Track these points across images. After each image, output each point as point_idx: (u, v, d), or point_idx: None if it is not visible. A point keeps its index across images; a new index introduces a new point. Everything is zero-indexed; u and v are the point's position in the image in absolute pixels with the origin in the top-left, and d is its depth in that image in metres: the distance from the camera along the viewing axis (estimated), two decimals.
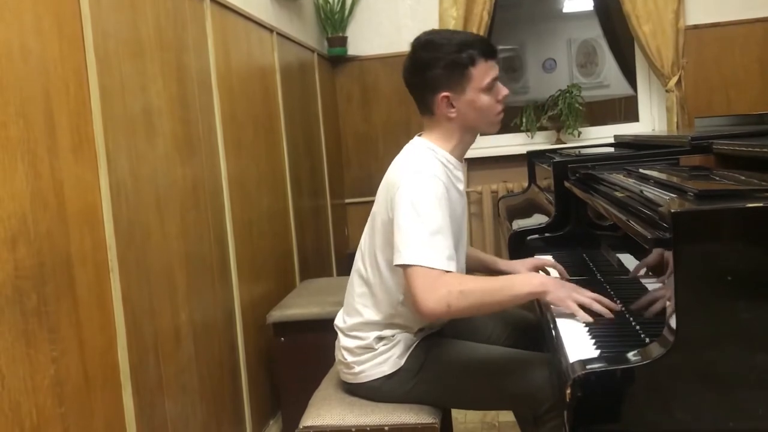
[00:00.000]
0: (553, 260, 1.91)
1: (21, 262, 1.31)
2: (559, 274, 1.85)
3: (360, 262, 1.76)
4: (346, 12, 4.19)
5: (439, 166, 1.66)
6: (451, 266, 1.52)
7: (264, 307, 2.61)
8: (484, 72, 1.66)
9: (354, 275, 1.78)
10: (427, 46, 1.68)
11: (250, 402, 2.42)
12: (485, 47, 1.68)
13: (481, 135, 1.79)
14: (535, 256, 2.03)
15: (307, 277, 3.23)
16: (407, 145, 1.75)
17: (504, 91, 1.72)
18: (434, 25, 4.07)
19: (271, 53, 3.06)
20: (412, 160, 1.67)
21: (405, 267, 1.52)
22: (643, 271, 1.51)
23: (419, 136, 1.75)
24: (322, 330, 2.35)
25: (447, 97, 1.65)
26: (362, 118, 4.33)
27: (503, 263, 1.96)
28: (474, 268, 2.00)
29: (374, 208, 1.72)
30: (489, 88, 1.67)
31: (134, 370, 1.66)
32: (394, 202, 1.59)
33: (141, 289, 1.75)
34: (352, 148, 4.36)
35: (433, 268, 1.49)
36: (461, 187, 1.74)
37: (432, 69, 1.65)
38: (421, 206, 1.55)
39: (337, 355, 1.80)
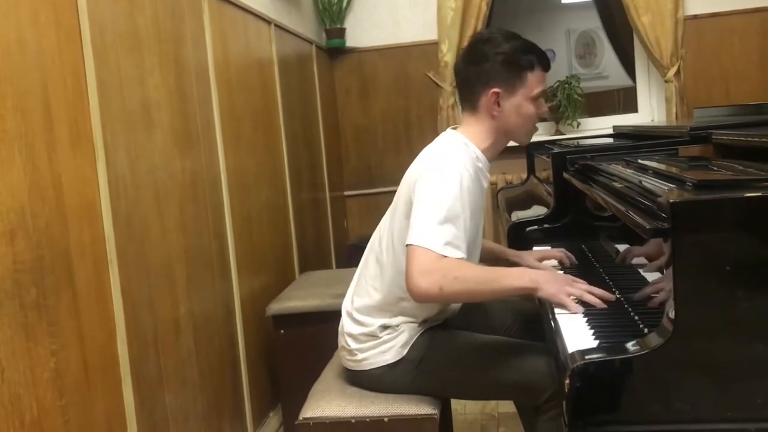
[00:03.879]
0: (562, 251, 1.92)
1: (20, 255, 1.31)
2: (569, 261, 1.87)
3: (377, 243, 1.77)
4: (345, 3, 4.17)
5: (469, 159, 1.67)
6: (453, 253, 1.52)
7: (263, 299, 2.61)
8: (538, 81, 1.69)
9: (369, 256, 1.79)
10: (490, 41, 1.70)
11: (250, 394, 2.43)
12: (544, 58, 1.71)
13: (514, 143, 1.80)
14: (543, 248, 2.04)
15: (307, 269, 3.23)
16: (440, 135, 1.76)
17: (545, 107, 1.75)
18: (432, 16, 4.06)
19: (269, 45, 3.06)
20: (443, 149, 1.69)
21: (408, 247, 1.53)
22: (634, 259, 1.51)
23: (453, 129, 1.76)
24: (322, 322, 2.36)
25: (497, 93, 1.67)
26: (361, 110, 4.32)
27: (512, 253, 1.97)
28: (484, 257, 2.01)
29: (398, 191, 1.73)
30: (536, 99, 1.70)
31: (134, 363, 1.66)
32: (416, 186, 1.60)
33: (140, 282, 1.75)
34: (350, 141, 4.36)
35: (432, 251, 1.50)
36: (486, 185, 1.75)
37: (490, 62, 1.67)
38: (440, 193, 1.56)
39: (341, 341, 1.80)
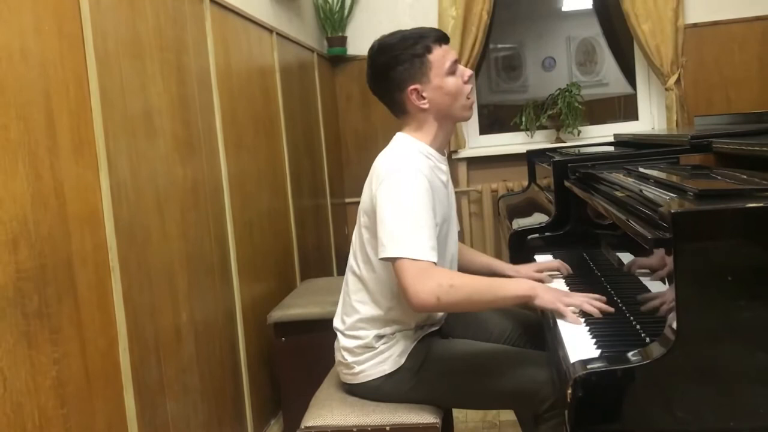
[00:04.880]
0: (559, 262, 1.92)
1: (22, 263, 1.31)
2: (566, 271, 1.88)
3: (353, 260, 1.78)
4: (346, 12, 4.19)
5: (422, 159, 1.68)
6: (435, 257, 1.54)
7: (265, 307, 2.61)
8: (442, 56, 1.71)
9: (348, 274, 1.79)
10: (381, 50, 1.74)
11: (251, 402, 2.43)
12: (437, 33, 1.74)
13: (459, 122, 1.84)
14: (540, 260, 2.04)
15: (308, 276, 3.23)
16: (391, 141, 1.78)
17: (468, 71, 1.75)
18: (433, 25, 4.07)
19: (271, 53, 3.06)
20: (395, 154, 1.70)
21: (392, 260, 1.54)
22: (639, 269, 1.51)
23: (400, 132, 1.78)
24: (323, 330, 2.34)
25: (415, 89, 1.70)
26: (362, 117, 4.33)
27: (510, 268, 1.97)
28: (485, 273, 2.01)
29: (360, 205, 1.74)
30: (452, 72, 1.71)
31: (135, 371, 1.66)
32: (377, 197, 1.61)
33: (142, 289, 1.75)
34: (351, 148, 4.36)
35: (420, 260, 1.51)
36: (444, 178, 1.76)
37: (393, 68, 1.70)
38: (403, 200, 1.57)
39: (337, 357, 1.80)
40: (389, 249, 1.54)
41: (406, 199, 1.57)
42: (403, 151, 1.70)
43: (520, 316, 1.97)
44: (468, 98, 1.75)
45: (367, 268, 1.71)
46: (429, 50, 1.70)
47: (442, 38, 1.73)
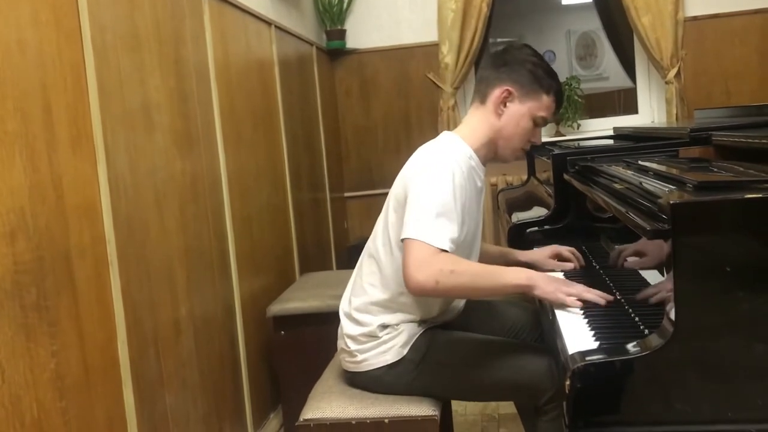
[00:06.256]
0: (569, 249, 1.92)
1: (20, 256, 1.31)
2: (577, 263, 1.88)
3: (372, 242, 1.79)
4: (345, 5, 4.18)
5: (462, 157, 1.69)
6: (449, 246, 1.55)
7: (264, 300, 2.61)
8: (547, 107, 1.74)
9: (364, 257, 1.80)
10: (523, 50, 1.77)
11: (251, 395, 2.43)
12: (561, 96, 1.78)
13: (497, 160, 1.84)
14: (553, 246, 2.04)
15: (307, 270, 3.23)
16: (437, 137, 1.80)
17: (539, 136, 1.79)
18: (433, 17, 4.06)
19: (270, 47, 3.06)
20: (438, 148, 1.72)
21: (405, 240, 1.56)
22: (630, 259, 1.52)
23: (449, 131, 1.80)
24: (322, 323, 2.36)
25: (510, 91, 1.71)
26: (361, 111, 4.32)
27: (522, 254, 1.98)
28: (499, 262, 2.02)
29: (392, 189, 1.75)
30: (536, 123, 1.75)
31: (134, 364, 1.66)
32: (410, 183, 1.63)
33: (141, 283, 1.75)
34: (351, 142, 4.36)
35: (430, 245, 1.52)
36: (480, 185, 1.77)
37: (519, 65, 1.73)
38: (434, 189, 1.59)
39: (340, 344, 1.80)
40: (409, 229, 1.55)
41: (438, 188, 1.59)
42: (448, 147, 1.72)
43: (527, 308, 1.97)
44: (521, 148, 1.78)
45: (385, 251, 1.72)
46: (548, 91, 1.73)
47: (560, 101, 1.77)
